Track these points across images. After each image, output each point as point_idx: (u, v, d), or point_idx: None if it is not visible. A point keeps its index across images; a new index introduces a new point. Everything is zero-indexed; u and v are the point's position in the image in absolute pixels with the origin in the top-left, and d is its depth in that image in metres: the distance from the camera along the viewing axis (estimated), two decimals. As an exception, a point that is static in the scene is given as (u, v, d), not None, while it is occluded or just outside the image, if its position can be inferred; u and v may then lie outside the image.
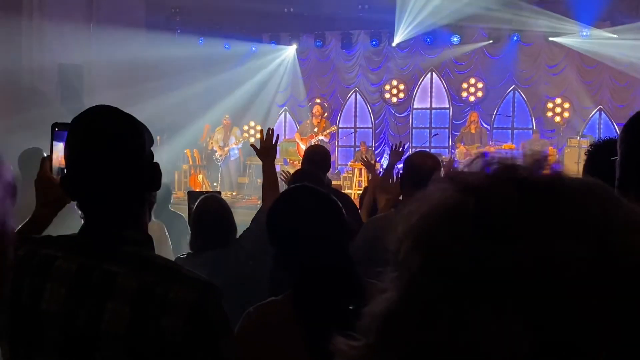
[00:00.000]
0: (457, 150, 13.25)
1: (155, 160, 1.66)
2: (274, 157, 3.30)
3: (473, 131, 13.22)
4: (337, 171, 14.89)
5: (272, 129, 3.40)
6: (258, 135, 12.21)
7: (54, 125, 1.76)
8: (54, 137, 1.77)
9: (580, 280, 0.54)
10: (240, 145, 14.40)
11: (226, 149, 13.82)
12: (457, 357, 0.56)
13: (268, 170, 3.27)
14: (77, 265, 1.55)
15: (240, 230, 3.43)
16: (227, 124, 13.98)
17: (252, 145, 3.47)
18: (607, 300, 0.54)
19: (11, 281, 1.52)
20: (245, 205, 11.69)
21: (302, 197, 1.99)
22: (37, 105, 11.85)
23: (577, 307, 0.54)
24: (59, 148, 1.75)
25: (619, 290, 0.55)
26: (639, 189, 1.60)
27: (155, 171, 1.64)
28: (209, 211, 3.34)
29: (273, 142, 3.30)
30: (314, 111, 13.44)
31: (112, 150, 1.57)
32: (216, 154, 13.82)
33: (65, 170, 1.66)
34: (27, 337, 1.56)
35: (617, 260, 0.55)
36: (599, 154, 2.28)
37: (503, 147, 13.62)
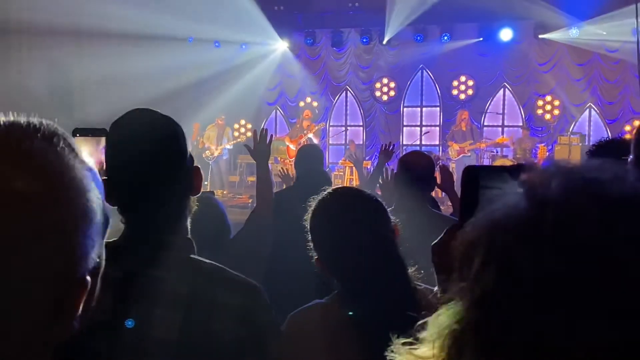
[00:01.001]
0: (449, 149, 13.27)
1: (195, 164, 1.63)
2: (268, 157, 3.29)
3: (464, 129, 13.24)
4: (328, 169, 14.88)
5: (266, 129, 3.39)
6: (249, 134, 12.14)
7: (75, 131, 1.74)
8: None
9: None
10: (232, 147, 14.38)
11: (220, 148, 13.78)
12: None
13: (261, 171, 3.25)
14: (123, 272, 1.51)
15: (233, 230, 3.41)
16: (221, 124, 13.94)
17: (246, 146, 3.45)
18: None
19: None
20: (237, 204, 11.65)
21: (344, 200, 1.95)
22: (26, 105, 11.76)
23: None
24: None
25: None
26: None
27: (195, 175, 1.62)
28: (202, 212, 3.31)
29: (267, 143, 3.28)
30: (304, 115, 13.45)
31: (154, 155, 1.55)
32: (206, 152, 13.77)
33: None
34: (74, 346, 1.52)
35: None
36: (600, 154, 2.28)
37: (497, 141, 13.66)
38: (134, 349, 1.47)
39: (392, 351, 0.66)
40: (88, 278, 0.74)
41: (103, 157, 1.66)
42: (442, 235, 1.06)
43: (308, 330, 1.83)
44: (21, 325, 0.69)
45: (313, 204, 1.99)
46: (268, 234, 3.15)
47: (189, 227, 1.64)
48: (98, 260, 0.77)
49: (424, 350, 0.63)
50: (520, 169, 0.64)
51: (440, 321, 0.62)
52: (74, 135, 1.71)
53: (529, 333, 0.55)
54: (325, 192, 2.03)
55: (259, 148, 3.25)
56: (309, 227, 1.94)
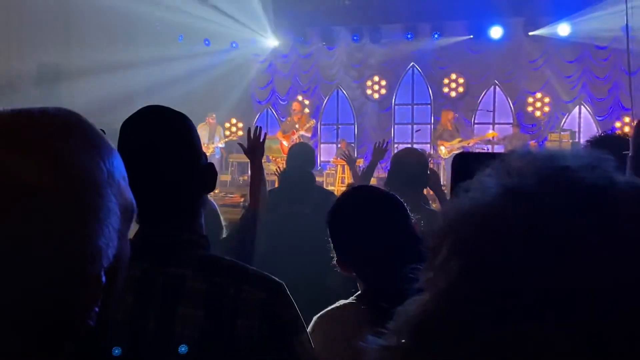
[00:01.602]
0: (438, 149, 13.26)
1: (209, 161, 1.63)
2: (262, 155, 3.28)
3: (450, 128, 13.24)
4: (319, 168, 14.87)
5: (260, 128, 3.38)
6: (240, 133, 12.11)
7: None
8: None
9: (634, 291, 0.51)
10: (223, 145, 14.34)
11: (212, 147, 13.73)
12: None
13: (255, 168, 3.25)
14: (141, 271, 1.49)
15: (227, 229, 3.40)
16: (212, 123, 13.90)
17: (240, 144, 3.44)
18: None
19: None
20: (229, 204, 11.62)
21: (368, 199, 1.93)
22: (15, 105, 11.70)
23: (632, 327, 0.51)
24: None
25: None
26: None
27: (210, 172, 1.62)
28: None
29: (260, 141, 3.28)
30: (293, 108, 13.43)
31: (169, 153, 1.54)
32: None
33: None
34: (95, 347, 1.51)
35: None
36: (595, 148, 2.29)
37: (486, 136, 13.68)
38: (154, 348, 1.45)
39: (365, 343, 0.65)
40: (103, 276, 0.72)
41: None
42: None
43: (329, 330, 1.83)
44: (32, 322, 0.67)
45: (337, 199, 1.99)
46: (262, 232, 3.14)
47: (203, 224, 1.63)
48: (117, 256, 0.74)
49: (391, 340, 0.61)
50: (501, 157, 0.63)
51: (407, 311, 0.61)
52: None
53: (492, 326, 0.54)
54: (345, 192, 2.02)
55: (253, 146, 3.25)
56: (329, 227, 1.93)
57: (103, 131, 1.61)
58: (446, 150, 13.02)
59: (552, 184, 0.55)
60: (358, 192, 1.99)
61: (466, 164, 0.97)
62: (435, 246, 0.60)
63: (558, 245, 0.53)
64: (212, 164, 1.64)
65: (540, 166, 0.58)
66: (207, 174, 1.61)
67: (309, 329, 1.84)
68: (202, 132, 13.73)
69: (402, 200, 1.95)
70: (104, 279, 0.72)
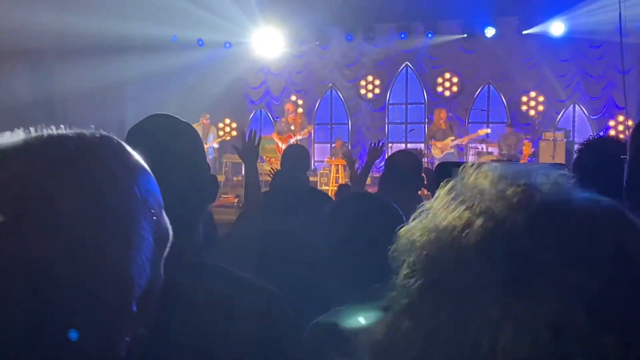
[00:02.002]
0: (432, 148, 13.28)
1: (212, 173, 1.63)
2: (256, 157, 3.27)
3: (443, 127, 13.25)
4: (313, 168, 14.87)
5: (254, 131, 3.37)
6: (234, 133, 12.09)
7: None
8: None
9: (592, 307, 0.52)
10: (217, 145, 14.33)
11: (205, 147, 13.69)
12: None
13: (250, 171, 3.23)
14: None
15: (221, 230, 3.38)
16: (205, 123, 13.88)
17: (234, 146, 3.43)
18: (621, 327, 0.52)
19: None
20: (222, 204, 11.61)
21: (365, 208, 1.93)
22: (6, 102, 11.67)
23: (598, 339, 0.51)
24: None
25: (629, 314, 0.52)
26: None
27: (212, 184, 1.61)
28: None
29: (255, 143, 3.27)
30: (286, 109, 13.43)
31: (173, 162, 1.51)
32: None
33: None
34: None
35: (631, 292, 0.52)
36: (589, 153, 2.28)
37: (479, 134, 13.69)
38: (150, 355, 1.44)
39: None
40: (134, 305, 0.70)
41: None
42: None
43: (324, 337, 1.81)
44: (65, 350, 0.65)
45: (334, 206, 1.99)
46: (257, 234, 3.13)
47: (201, 233, 1.62)
48: (148, 285, 0.73)
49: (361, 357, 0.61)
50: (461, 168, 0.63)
51: (371, 331, 0.61)
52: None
53: (449, 342, 0.54)
54: (347, 197, 2.02)
55: (247, 148, 3.23)
56: (327, 228, 1.93)
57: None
58: (439, 150, 13.03)
59: (512, 203, 0.56)
60: (358, 200, 1.99)
61: (448, 174, 0.96)
62: (399, 265, 0.60)
63: (514, 263, 0.53)
64: (214, 176, 1.64)
65: (504, 185, 0.58)
66: (210, 186, 1.61)
67: (305, 334, 1.83)
68: (196, 133, 13.68)
69: (400, 211, 1.95)
70: (134, 308, 0.70)
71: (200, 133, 13.46)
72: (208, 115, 14.01)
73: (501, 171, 0.61)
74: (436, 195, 0.62)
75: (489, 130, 13.98)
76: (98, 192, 0.67)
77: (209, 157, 13.94)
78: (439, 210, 0.60)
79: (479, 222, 0.56)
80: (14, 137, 0.69)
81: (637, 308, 0.52)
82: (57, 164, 0.67)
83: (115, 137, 0.75)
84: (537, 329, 0.51)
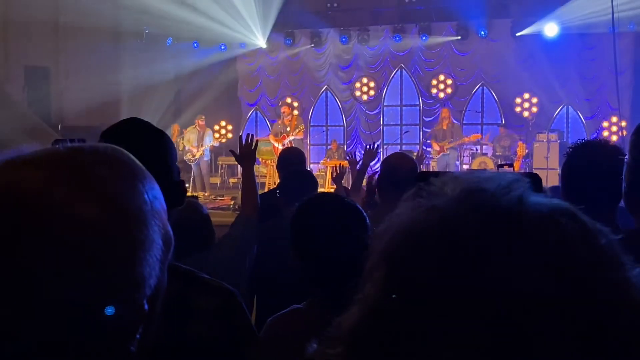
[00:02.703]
0: (432, 146, 13.35)
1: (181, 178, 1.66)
2: (254, 162, 3.30)
3: (445, 127, 13.30)
4: (309, 169, 14.87)
5: (251, 135, 3.39)
6: (230, 135, 12.04)
7: (55, 142, 1.74)
8: None
9: (539, 310, 0.55)
10: (217, 144, 14.35)
11: (202, 149, 13.69)
12: None
13: (247, 175, 3.26)
14: None
15: (217, 232, 3.41)
16: (201, 125, 13.88)
17: (231, 151, 3.46)
18: (564, 324, 0.55)
19: None
20: (219, 206, 11.62)
21: (329, 206, 1.96)
22: (2, 108, 11.66)
23: (531, 333, 0.55)
24: None
25: (574, 323, 0.55)
26: None
27: (180, 188, 1.65)
28: (187, 217, 3.31)
29: (252, 147, 3.29)
30: (282, 111, 13.44)
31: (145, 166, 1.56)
32: (188, 154, 13.70)
33: None
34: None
35: (574, 296, 0.55)
36: (576, 155, 2.31)
37: (470, 138, 13.75)
38: (114, 352, 1.48)
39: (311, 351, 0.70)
40: (146, 304, 0.76)
41: None
42: None
43: (284, 335, 1.85)
44: (78, 347, 0.71)
45: (297, 207, 2.01)
46: (254, 237, 3.15)
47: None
48: (157, 285, 0.80)
49: (332, 347, 0.65)
50: (423, 178, 0.68)
51: (345, 321, 0.65)
52: (53, 145, 1.71)
53: (409, 335, 0.58)
54: (309, 197, 2.05)
55: (244, 152, 3.26)
56: (291, 229, 1.96)
57: (83, 140, 1.64)
58: (436, 151, 13.11)
59: (468, 204, 0.60)
60: (320, 199, 2.02)
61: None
62: (369, 259, 0.65)
63: (467, 259, 0.57)
64: (182, 181, 1.68)
65: (462, 188, 0.63)
66: (176, 191, 1.63)
67: (262, 332, 1.87)
68: (192, 135, 13.70)
69: (363, 212, 1.98)
70: (146, 306, 0.76)
71: (196, 136, 13.46)
72: (203, 117, 14.01)
73: (460, 177, 0.66)
74: (403, 198, 0.67)
75: (479, 136, 13.98)
76: (112, 197, 0.73)
77: (205, 159, 13.95)
78: (403, 211, 0.64)
79: (436, 221, 0.60)
80: (34, 149, 0.77)
81: (576, 313, 0.55)
82: (78, 174, 0.74)
83: (124, 150, 0.83)
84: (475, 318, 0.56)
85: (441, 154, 13.03)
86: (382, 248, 0.63)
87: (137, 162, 0.84)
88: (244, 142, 3.31)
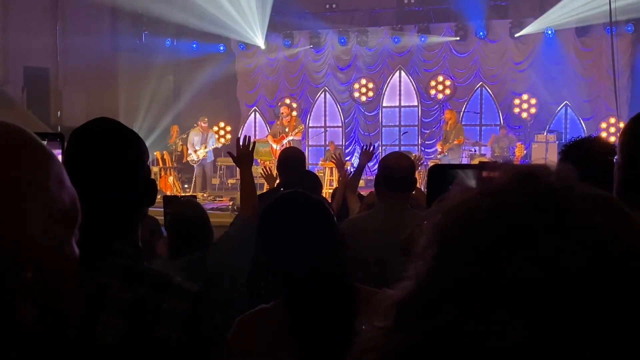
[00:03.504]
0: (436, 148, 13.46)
1: (152, 177, 1.67)
2: (251, 163, 3.31)
3: (448, 129, 13.34)
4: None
5: (249, 137, 3.41)
6: (229, 136, 12.03)
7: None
8: None
9: (580, 285, 0.58)
10: (220, 146, 14.37)
11: (205, 150, 13.70)
12: (460, 347, 0.60)
13: (245, 177, 3.28)
14: None
15: (216, 232, 3.42)
16: (204, 126, 13.88)
17: (229, 153, 3.47)
18: (606, 304, 0.58)
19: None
20: (217, 207, 11.64)
21: (295, 204, 1.98)
22: (1, 108, 11.67)
23: (577, 310, 0.58)
24: None
25: (616, 296, 0.58)
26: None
27: (151, 187, 1.66)
28: (185, 216, 3.33)
29: (250, 149, 3.31)
30: (281, 112, 13.44)
31: (110, 165, 1.58)
32: (192, 155, 13.69)
33: None
34: (15, 352, 1.54)
35: (618, 269, 0.59)
36: (572, 154, 2.33)
37: (456, 142, 13.76)
38: (76, 353, 1.49)
39: (361, 324, 0.73)
40: (29, 272, 0.79)
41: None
42: (409, 231, 1.11)
43: (249, 334, 1.87)
44: None
45: (266, 204, 2.03)
46: (252, 238, 3.16)
47: (139, 235, 1.67)
48: (48, 254, 0.82)
49: (380, 323, 0.68)
50: (480, 167, 0.71)
51: (392, 294, 0.68)
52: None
53: (456, 308, 0.60)
54: (276, 196, 2.07)
55: (242, 155, 3.28)
56: (258, 226, 1.98)
57: (61, 135, 1.66)
58: (439, 152, 13.20)
59: (520, 187, 0.64)
60: (285, 198, 2.04)
61: (440, 175, 1.02)
62: (419, 240, 0.68)
63: (516, 238, 0.60)
64: (153, 181, 1.69)
65: (513, 173, 0.66)
66: (146, 190, 1.65)
67: (230, 331, 1.89)
68: (195, 136, 13.70)
69: (328, 208, 2.00)
70: (29, 275, 0.80)
71: (199, 137, 13.47)
72: (206, 119, 14.01)
73: (513, 165, 0.70)
74: (454, 184, 0.70)
75: (461, 140, 13.66)
76: None
77: (208, 161, 13.97)
78: (454, 195, 0.68)
79: (488, 201, 0.64)
80: None
81: (621, 299, 0.58)
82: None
83: (15, 125, 0.86)
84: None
85: (442, 154, 13.10)
86: (435, 227, 0.66)
87: (35, 139, 0.87)
88: (241, 145, 3.33)
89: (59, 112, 14.03)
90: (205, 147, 13.67)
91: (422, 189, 5.08)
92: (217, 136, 14.79)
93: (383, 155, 11.89)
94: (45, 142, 1.70)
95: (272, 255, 1.93)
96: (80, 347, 1.49)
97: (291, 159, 4.45)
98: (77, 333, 1.49)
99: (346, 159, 14.53)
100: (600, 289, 0.58)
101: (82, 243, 1.57)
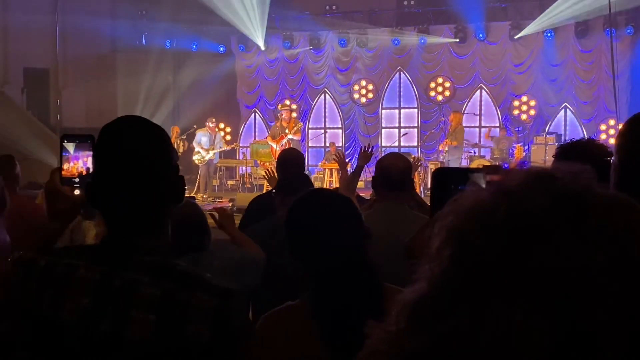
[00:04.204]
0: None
1: (180, 174, 1.68)
2: (233, 223, 3.39)
3: (451, 130, 13.42)
4: (307, 172, 14.88)
5: (223, 208, 3.46)
6: (228, 137, 11.97)
7: (62, 137, 1.78)
8: (63, 149, 1.77)
9: (598, 282, 0.58)
10: (228, 148, 14.37)
11: (213, 152, 13.70)
12: (481, 347, 0.59)
13: (235, 235, 3.36)
14: (100, 275, 1.55)
15: (214, 234, 3.43)
16: (212, 127, 13.88)
17: (211, 215, 3.52)
18: (622, 301, 0.58)
19: (32, 292, 1.55)
20: (217, 208, 11.62)
21: (323, 201, 1.99)
22: (2, 109, 11.68)
23: (599, 308, 0.58)
24: (68, 159, 1.77)
25: (633, 292, 0.59)
26: (637, 193, 1.63)
27: (179, 184, 1.66)
28: (183, 216, 3.33)
29: (227, 222, 3.39)
30: (281, 114, 13.42)
31: (140, 163, 1.58)
32: (200, 154, 13.66)
33: (78, 180, 1.70)
34: (49, 347, 1.55)
35: (635, 266, 0.59)
36: (567, 155, 2.34)
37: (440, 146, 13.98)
38: (107, 349, 1.50)
39: (367, 327, 0.72)
40: None
41: (90, 162, 1.70)
42: (416, 232, 1.11)
43: (277, 331, 1.87)
44: None
45: (290, 205, 2.03)
46: (259, 276, 3.20)
47: (169, 232, 1.67)
48: None
49: (390, 323, 0.67)
50: (484, 171, 0.71)
51: (403, 297, 0.68)
52: (62, 141, 1.75)
53: (473, 307, 0.60)
54: (305, 192, 2.07)
55: (221, 224, 3.37)
56: (285, 227, 1.98)
57: (91, 136, 1.68)
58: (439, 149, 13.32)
59: (536, 187, 0.64)
60: (315, 194, 2.04)
61: (444, 178, 1.03)
62: (431, 242, 0.68)
63: (534, 237, 0.60)
64: (182, 177, 1.68)
65: (529, 173, 0.66)
66: (176, 187, 1.65)
67: (257, 327, 1.89)
68: (203, 137, 13.68)
69: (355, 205, 2.00)
70: None
71: (207, 137, 13.47)
72: (214, 120, 14.01)
73: (525, 165, 0.69)
74: (468, 184, 0.71)
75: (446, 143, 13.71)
76: None
77: (215, 162, 13.97)
78: (468, 195, 0.68)
79: (504, 201, 0.64)
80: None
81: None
82: None
83: None
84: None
85: (443, 152, 13.24)
86: (450, 228, 0.66)
87: None
88: (217, 218, 3.40)
89: (57, 115, 14.03)
90: (214, 148, 13.68)
91: (422, 190, 5.09)
92: (224, 140, 14.80)
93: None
94: (75, 143, 1.73)
95: (300, 252, 1.93)
96: (111, 343, 1.50)
97: (290, 160, 4.45)
98: (107, 329, 1.51)
99: (346, 160, 14.52)
100: (621, 286, 0.58)
101: (111, 239, 1.59)
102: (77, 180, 1.74)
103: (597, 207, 0.62)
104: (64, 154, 1.77)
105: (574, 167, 0.67)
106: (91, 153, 1.73)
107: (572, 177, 0.65)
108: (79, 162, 1.75)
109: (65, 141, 1.76)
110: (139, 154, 1.58)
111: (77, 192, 1.74)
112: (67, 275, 1.56)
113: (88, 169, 1.74)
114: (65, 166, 1.79)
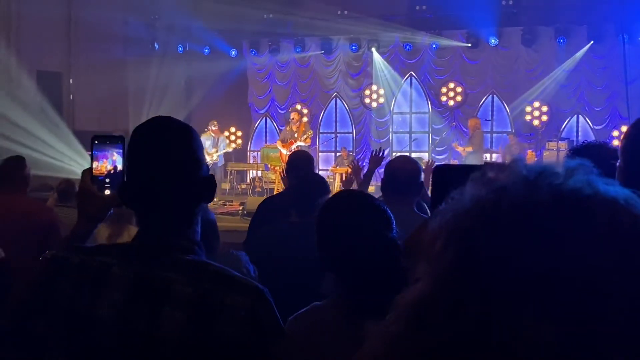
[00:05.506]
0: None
1: (210, 173, 1.69)
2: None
3: (470, 134, 13.51)
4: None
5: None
6: (240, 141, 12.07)
7: (94, 138, 1.79)
8: (94, 149, 1.78)
9: (604, 282, 0.57)
10: (230, 150, 14.39)
11: (217, 155, 13.75)
12: (488, 346, 0.58)
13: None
14: (133, 273, 1.57)
15: (224, 237, 3.43)
16: (215, 130, 13.94)
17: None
18: (629, 302, 0.57)
19: (67, 290, 1.57)
20: (227, 212, 11.66)
21: (353, 204, 1.99)
22: (15, 112, 11.76)
23: (608, 309, 0.57)
24: (99, 159, 1.79)
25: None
26: None
27: (210, 183, 1.67)
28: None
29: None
30: (291, 117, 13.44)
31: (171, 162, 1.60)
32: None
33: (107, 180, 1.73)
34: (84, 345, 1.56)
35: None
36: (576, 157, 2.32)
37: (456, 148, 13.97)
38: (139, 346, 1.51)
39: (366, 329, 0.71)
40: None
41: (121, 162, 1.73)
42: (413, 231, 1.11)
43: (307, 331, 1.87)
44: None
45: (321, 207, 2.03)
46: (270, 241, 3.17)
47: (199, 231, 1.68)
48: None
49: (391, 326, 0.66)
50: (487, 168, 0.69)
51: (404, 298, 0.67)
52: (92, 142, 1.77)
53: (479, 308, 0.59)
54: (338, 193, 2.07)
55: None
56: (317, 224, 1.97)
57: (123, 137, 1.71)
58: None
59: (537, 184, 0.62)
60: (348, 196, 2.03)
61: (444, 176, 1.02)
62: (430, 242, 0.66)
63: (537, 236, 0.59)
64: (212, 176, 1.70)
65: (529, 169, 0.65)
66: (206, 185, 1.66)
67: (285, 328, 1.88)
68: (207, 141, 13.75)
69: (389, 210, 1.99)
70: None
71: (210, 141, 13.51)
72: (216, 123, 14.06)
73: (523, 161, 0.68)
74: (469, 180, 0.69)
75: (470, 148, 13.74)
76: None
77: (218, 165, 14.02)
78: (467, 192, 0.66)
79: (508, 200, 0.62)
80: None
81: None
82: None
83: None
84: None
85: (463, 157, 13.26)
86: (449, 228, 0.64)
87: None
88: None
89: (71, 117, 14.11)
90: (217, 151, 13.72)
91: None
92: (227, 141, 14.85)
93: (393, 162, 11.88)
94: (107, 144, 1.75)
95: (330, 254, 1.93)
96: (145, 340, 1.51)
97: (299, 161, 4.44)
98: (142, 327, 1.52)
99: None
100: (628, 288, 0.57)
101: (143, 238, 1.60)
102: (107, 180, 1.75)
103: (601, 203, 0.61)
104: (95, 153, 1.78)
105: (571, 161, 0.66)
106: (116, 151, 1.76)
107: (571, 172, 0.64)
108: (107, 162, 1.78)
109: (97, 142, 1.78)
110: (170, 154, 1.61)
111: (107, 192, 1.75)
112: (102, 273, 1.58)
113: (115, 167, 1.76)
114: (94, 166, 1.80)
